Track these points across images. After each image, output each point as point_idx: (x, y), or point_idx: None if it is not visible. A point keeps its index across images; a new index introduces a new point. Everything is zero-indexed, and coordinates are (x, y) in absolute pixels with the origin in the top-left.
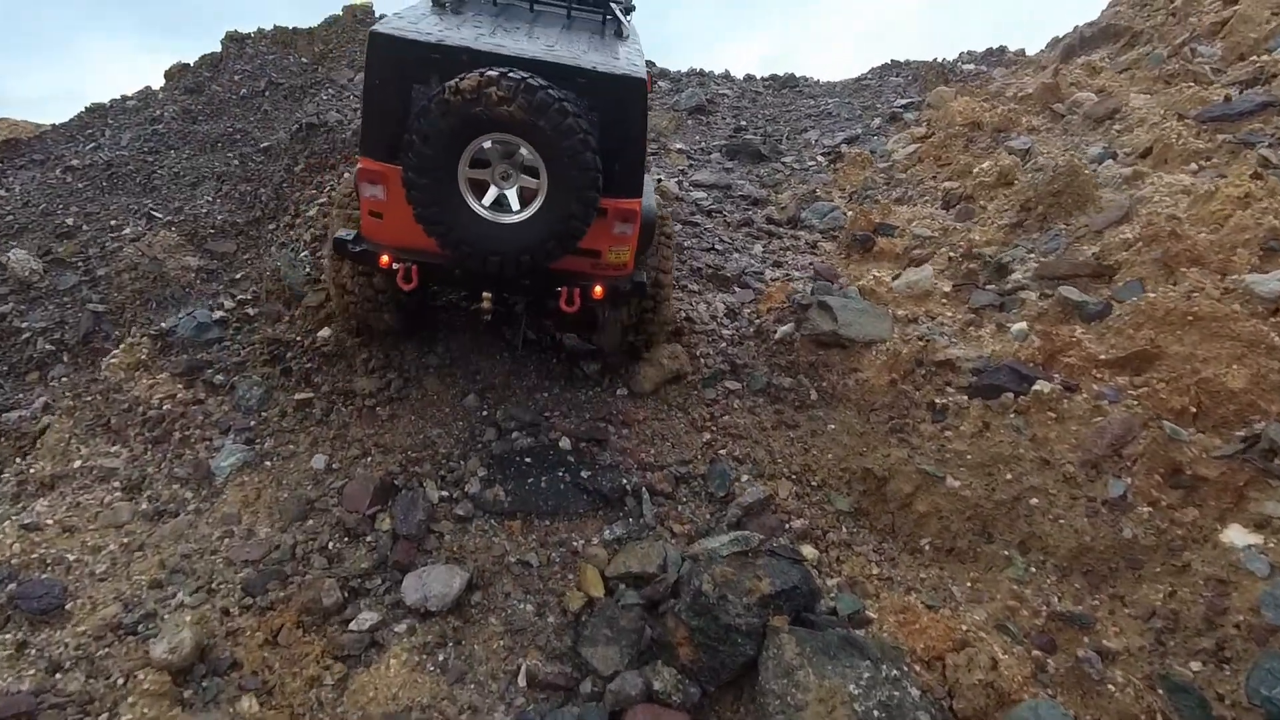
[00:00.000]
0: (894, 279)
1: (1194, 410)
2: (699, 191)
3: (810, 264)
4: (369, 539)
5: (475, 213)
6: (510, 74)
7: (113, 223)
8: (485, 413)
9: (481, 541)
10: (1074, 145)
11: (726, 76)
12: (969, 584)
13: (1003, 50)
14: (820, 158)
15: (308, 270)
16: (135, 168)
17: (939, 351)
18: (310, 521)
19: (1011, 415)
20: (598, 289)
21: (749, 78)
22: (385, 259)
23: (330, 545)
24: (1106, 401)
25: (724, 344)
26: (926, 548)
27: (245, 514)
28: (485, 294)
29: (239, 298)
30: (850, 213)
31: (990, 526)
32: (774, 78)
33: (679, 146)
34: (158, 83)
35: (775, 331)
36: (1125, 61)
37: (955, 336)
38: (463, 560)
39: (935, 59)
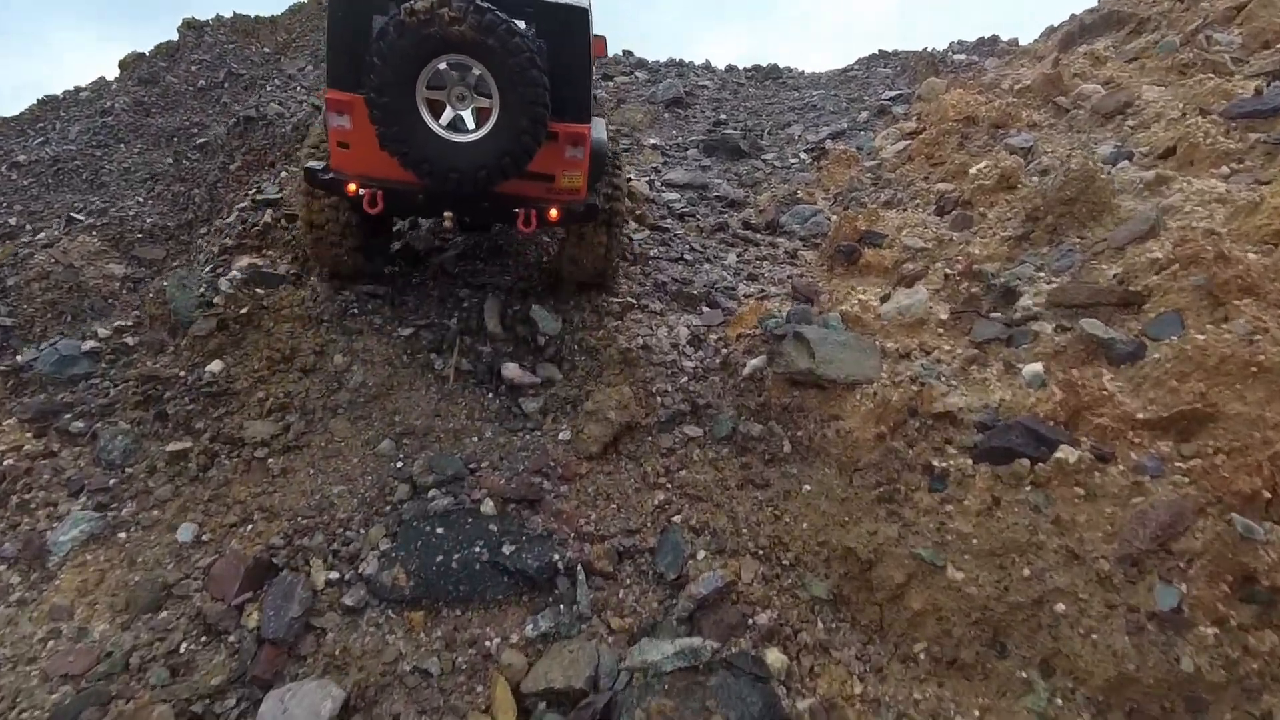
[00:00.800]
0: (882, 302)
1: (1268, 495)
2: (671, 192)
3: (789, 277)
4: (231, 639)
5: (433, 132)
6: None
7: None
8: (401, 464)
9: (372, 641)
10: (1081, 143)
11: (707, 67)
12: (977, 712)
13: (995, 40)
14: (803, 154)
15: (202, 291)
16: (82, 163)
17: (936, 399)
18: (164, 614)
19: (1028, 488)
20: (553, 212)
21: (730, 69)
22: (352, 187)
23: (182, 648)
24: (1148, 476)
25: (685, 378)
26: (922, 656)
27: (81, 605)
28: (447, 214)
29: (116, 324)
30: (834, 217)
31: (1003, 635)
32: (757, 69)
33: (653, 142)
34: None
35: (744, 365)
36: (1133, 50)
37: (956, 378)
38: (345, 669)
39: (925, 49)
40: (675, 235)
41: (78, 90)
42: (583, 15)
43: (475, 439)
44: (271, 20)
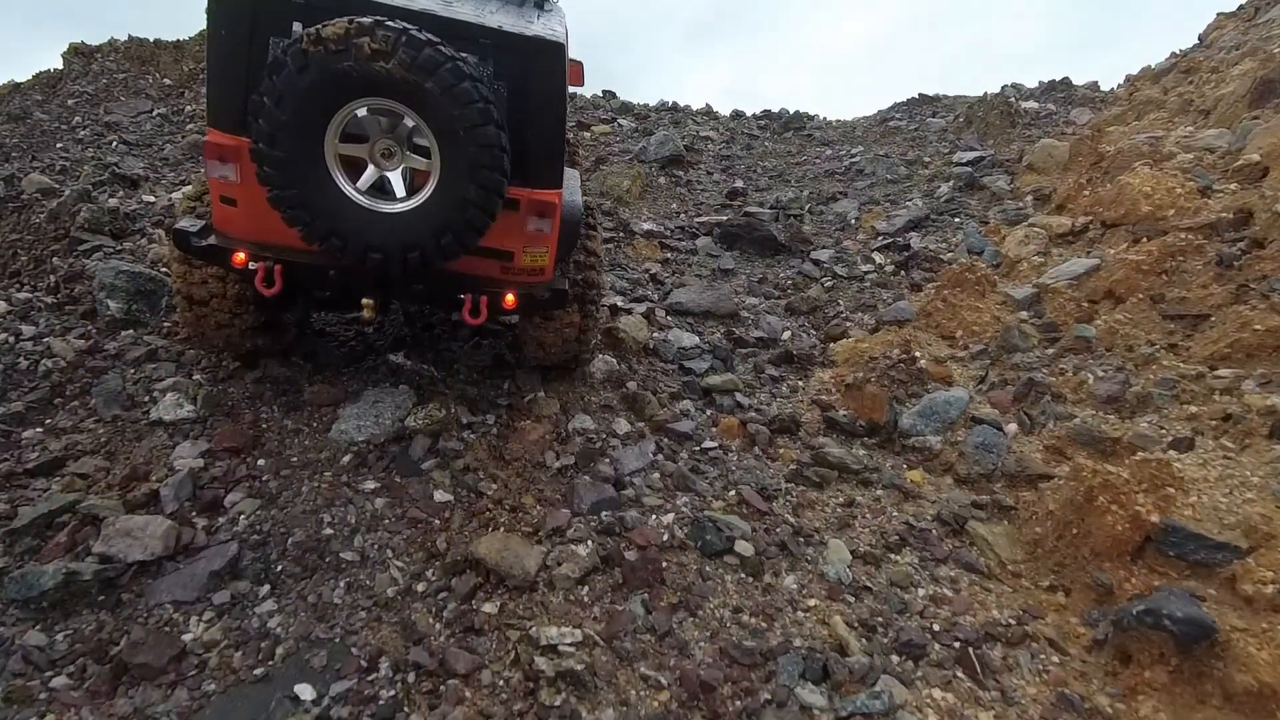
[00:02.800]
0: None
1: None
2: (684, 331)
3: (993, 662)
4: None
5: (348, 198)
6: (388, 22)
7: None
8: None
9: None
10: None
11: (709, 113)
12: None
13: (1067, 84)
14: (878, 256)
15: None
16: None
17: None
18: None
19: None
20: (509, 297)
21: (738, 115)
22: (240, 256)
23: None
24: None
25: None
26: None
27: None
28: (366, 301)
29: None
30: (1010, 427)
31: None
32: (769, 116)
33: (648, 227)
34: None
35: None
36: None
37: None
38: None
39: (987, 94)
40: (708, 456)
41: None
42: (556, 51)
43: None
44: (176, 45)
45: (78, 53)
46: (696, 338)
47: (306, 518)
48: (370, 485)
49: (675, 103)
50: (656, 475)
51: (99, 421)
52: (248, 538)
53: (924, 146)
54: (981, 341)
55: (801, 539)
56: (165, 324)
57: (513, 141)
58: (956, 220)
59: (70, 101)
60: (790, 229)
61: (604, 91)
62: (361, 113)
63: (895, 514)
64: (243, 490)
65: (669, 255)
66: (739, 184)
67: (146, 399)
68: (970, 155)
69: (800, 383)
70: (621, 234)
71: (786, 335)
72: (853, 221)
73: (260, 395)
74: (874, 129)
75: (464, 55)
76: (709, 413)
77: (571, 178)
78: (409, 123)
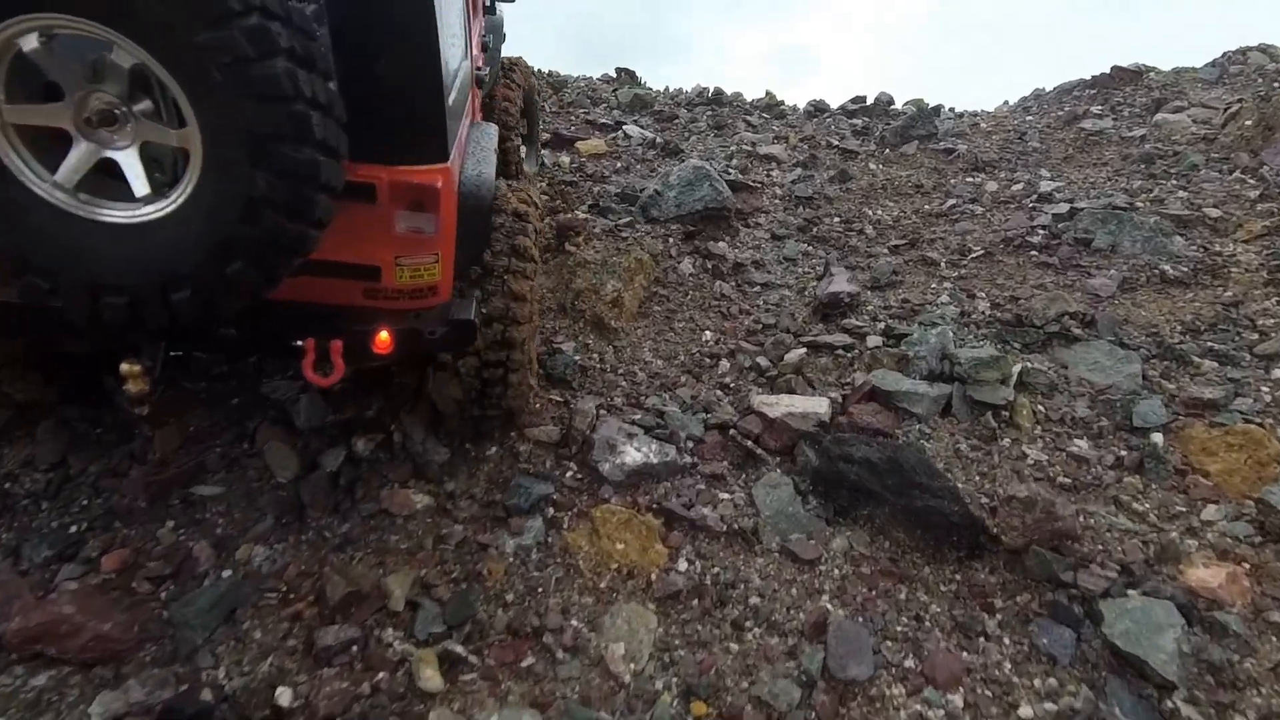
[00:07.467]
0: None
1: None
2: None
3: None
4: None
5: (41, 198)
6: None
7: None
8: None
9: None
10: None
11: (772, 109)
12: None
13: None
14: None
15: None
16: None
17: None
18: None
19: None
20: (382, 335)
21: (819, 111)
22: None
23: None
24: None
25: None
26: None
27: None
28: (126, 368)
29: None
30: None
31: None
32: (869, 110)
33: (634, 458)
34: None
35: None
36: None
37: None
38: None
39: (1262, 64)
40: None
41: None
42: None
43: None
44: None
45: None
46: None
47: None
48: None
49: (719, 91)
50: None
51: None
52: None
53: (1185, 179)
54: None
55: None
56: None
57: (354, 88)
58: None
59: None
60: (987, 474)
61: (618, 70)
62: (32, 45)
63: None
64: None
65: (693, 579)
66: (846, 285)
67: None
68: None
69: None
70: (575, 471)
71: None
72: (1158, 442)
73: None
74: (1057, 133)
75: None
76: None
77: (482, 137)
78: (126, 64)
